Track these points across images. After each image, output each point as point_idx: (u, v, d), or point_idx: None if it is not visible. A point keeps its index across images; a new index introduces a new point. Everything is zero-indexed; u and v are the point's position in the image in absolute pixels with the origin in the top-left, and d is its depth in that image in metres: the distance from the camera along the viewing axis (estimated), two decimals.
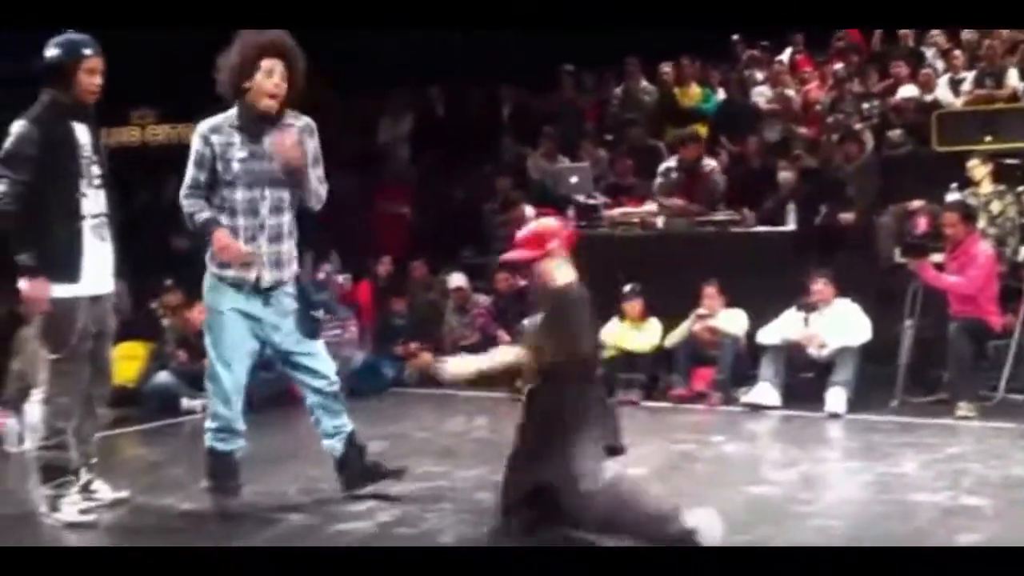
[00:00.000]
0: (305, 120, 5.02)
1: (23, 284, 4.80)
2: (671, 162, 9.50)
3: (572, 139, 11.57)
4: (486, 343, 9.15)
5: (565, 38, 12.56)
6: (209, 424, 5.04)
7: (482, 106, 12.98)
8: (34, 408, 6.41)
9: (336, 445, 5.16)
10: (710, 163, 9.47)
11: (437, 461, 6.07)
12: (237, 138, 4.85)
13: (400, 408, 8.16)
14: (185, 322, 8.32)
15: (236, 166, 4.82)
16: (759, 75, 12.21)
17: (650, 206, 9.37)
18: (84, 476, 5.14)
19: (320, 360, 5.10)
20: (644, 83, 12.26)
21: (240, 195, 4.85)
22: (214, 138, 4.84)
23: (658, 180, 9.47)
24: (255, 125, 4.87)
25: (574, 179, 9.70)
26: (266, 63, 4.81)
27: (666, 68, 12.04)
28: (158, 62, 11.20)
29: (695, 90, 12.04)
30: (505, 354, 4.62)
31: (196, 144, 4.88)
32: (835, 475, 5.98)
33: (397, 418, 7.66)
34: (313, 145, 5.00)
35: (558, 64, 12.53)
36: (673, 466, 5.93)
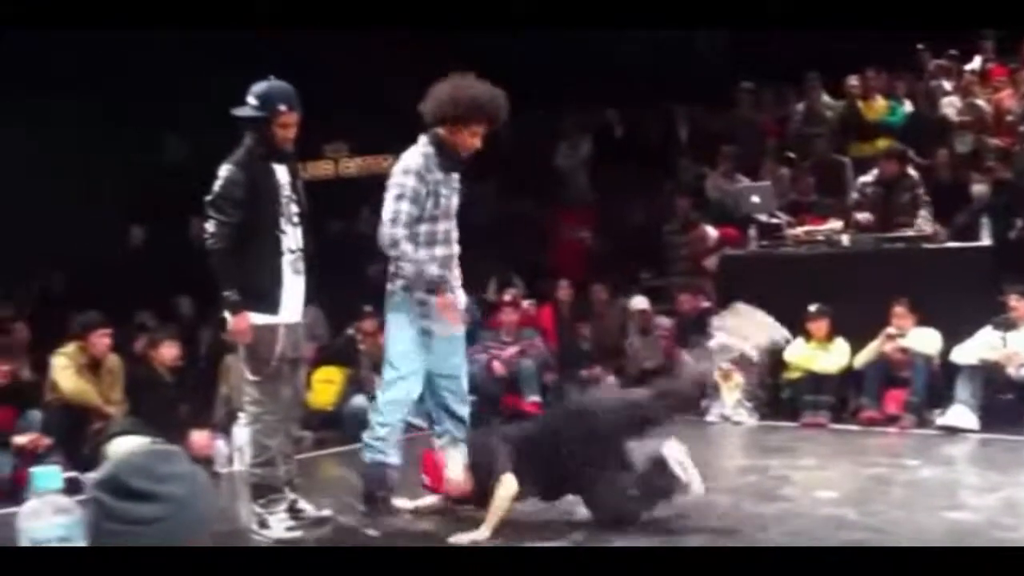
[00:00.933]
0: None
1: (228, 319, 5.15)
2: (869, 177, 9.28)
3: (751, 157, 11.46)
4: (669, 365, 9.21)
5: (742, 55, 12.52)
6: (375, 436, 5.19)
7: (659, 127, 13.00)
8: (242, 430, 6.84)
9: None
10: (913, 174, 9.22)
11: None
12: (441, 175, 5.10)
13: None
14: (379, 347, 8.64)
15: (443, 201, 5.10)
16: (947, 85, 11.83)
17: (834, 223, 9.20)
18: (289, 495, 5.43)
19: (465, 383, 5.40)
20: (826, 97, 12.05)
21: (441, 227, 5.13)
22: (429, 176, 5.05)
23: (854, 195, 9.27)
24: (450, 164, 5.14)
25: (755, 198, 9.62)
26: (476, 127, 5.07)
27: (852, 81, 11.80)
28: (351, 98, 11.70)
29: (880, 103, 11.75)
30: None
31: (411, 182, 5.01)
32: None
33: None
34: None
35: (735, 82, 12.47)
36: (865, 490, 5.83)
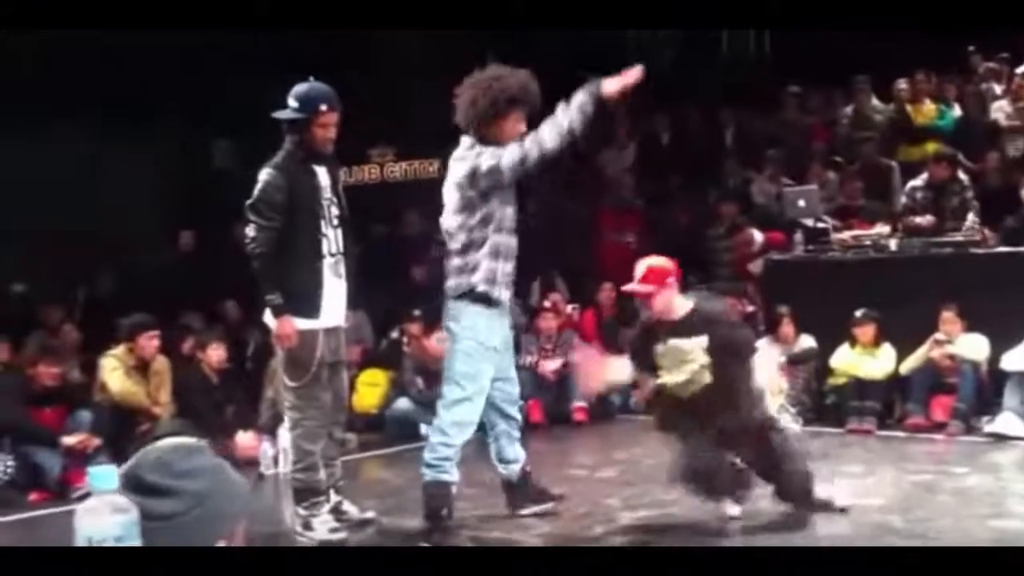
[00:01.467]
0: None
1: (271, 322, 5.19)
2: (918, 181, 9.20)
3: (797, 161, 11.38)
4: None
5: (790, 58, 12.44)
6: (438, 456, 5.18)
7: (705, 131, 12.95)
8: (287, 433, 6.90)
9: (515, 469, 5.41)
10: (964, 178, 9.13)
11: (667, 489, 6.10)
12: None
13: (629, 435, 8.22)
14: (423, 351, 8.69)
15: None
16: (997, 88, 11.67)
17: (882, 228, 9.12)
18: (333, 497, 5.47)
19: (516, 385, 5.44)
20: (875, 101, 11.94)
21: (509, 211, 5.16)
22: None
23: (903, 200, 9.20)
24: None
25: (801, 202, 9.55)
26: (516, 114, 5.08)
27: (901, 84, 11.68)
28: (396, 102, 11.76)
29: (929, 107, 11.61)
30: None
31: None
32: None
33: (627, 445, 7.75)
34: None
35: (782, 85, 12.39)
36: (911, 497, 5.77)
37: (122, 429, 7.19)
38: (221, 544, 1.75)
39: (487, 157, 4.99)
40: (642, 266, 5.13)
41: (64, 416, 7.20)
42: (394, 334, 9.19)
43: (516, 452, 5.42)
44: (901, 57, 11.53)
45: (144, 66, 11.06)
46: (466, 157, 5.08)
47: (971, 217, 8.65)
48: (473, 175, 5.03)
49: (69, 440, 6.95)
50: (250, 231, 5.14)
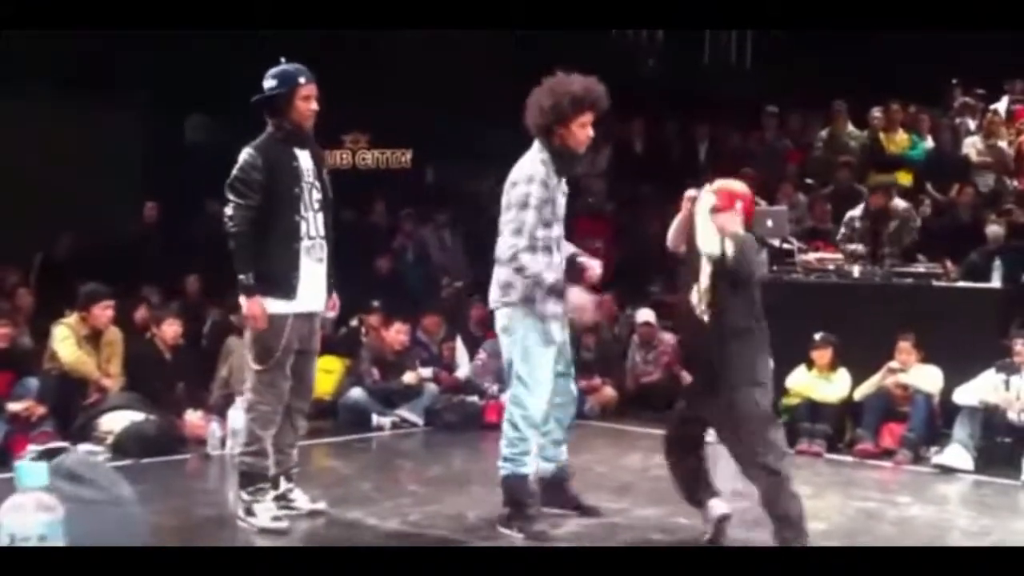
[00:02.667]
0: None
1: (243, 302, 5.13)
2: (856, 211, 9.34)
3: (770, 181, 11.43)
4: (668, 381, 9.18)
5: (772, 78, 12.51)
6: (514, 451, 5.17)
7: (680, 143, 12.99)
8: (236, 414, 6.84)
9: (550, 467, 5.45)
10: (900, 204, 9.29)
11: (615, 497, 6.11)
12: (557, 180, 5.13)
13: (581, 441, 8.16)
14: (381, 341, 8.65)
15: (560, 208, 5.15)
16: (971, 123, 11.78)
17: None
18: (283, 485, 5.41)
19: (573, 382, 5.51)
20: (850, 127, 12.02)
21: (555, 233, 5.14)
22: (551, 183, 5.06)
23: (841, 229, 9.36)
24: (567, 166, 5.18)
25: (769, 222, 9.46)
26: (584, 118, 5.08)
27: (876, 113, 11.76)
28: (371, 89, 11.70)
29: (902, 136, 11.71)
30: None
31: (537, 191, 5.00)
32: None
33: (577, 450, 7.66)
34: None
35: (762, 104, 12.45)
36: (855, 524, 5.79)
37: (69, 399, 7.09)
38: None
39: (510, 218, 5.01)
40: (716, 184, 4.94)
41: (11, 381, 7.10)
42: (353, 322, 9.13)
43: (555, 452, 5.45)
44: (879, 84, 11.63)
45: (117, 33, 10.93)
46: (517, 183, 5.06)
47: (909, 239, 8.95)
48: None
49: (14, 407, 6.85)
50: (227, 210, 5.10)
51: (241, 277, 5.06)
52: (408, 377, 8.45)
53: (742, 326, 4.84)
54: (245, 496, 5.22)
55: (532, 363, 5.15)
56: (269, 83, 5.18)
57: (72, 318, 7.36)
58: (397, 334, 8.51)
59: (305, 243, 5.15)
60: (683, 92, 13.28)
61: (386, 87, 12.02)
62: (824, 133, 12.15)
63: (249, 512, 5.19)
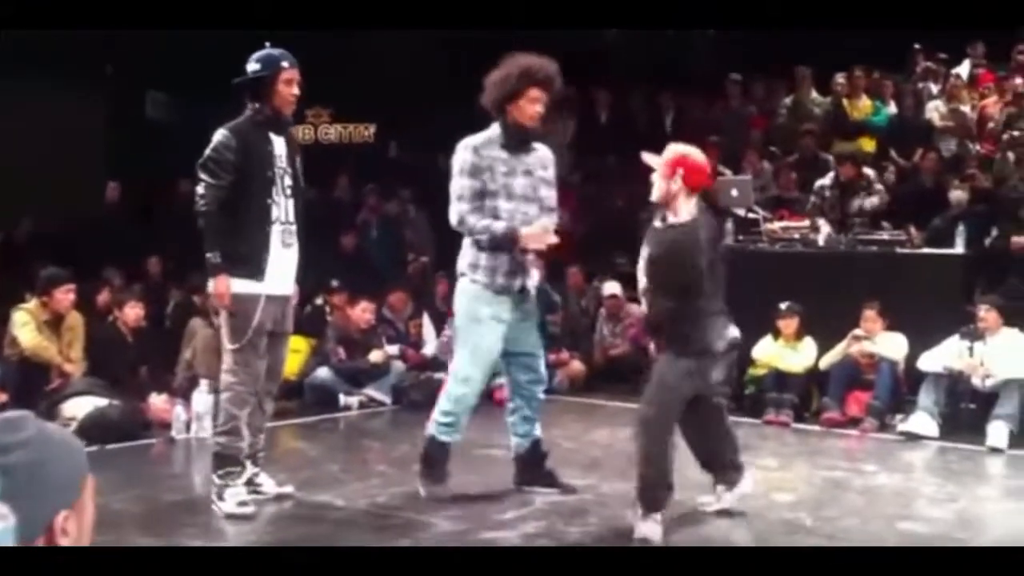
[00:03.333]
0: (546, 148, 5.43)
1: (209, 281, 5.14)
2: (826, 180, 9.35)
3: (735, 150, 11.42)
4: (636, 354, 9.18)
5: (735, 45, 12.45)
6: (441, 419, 5.36)
7: (645, 113, 12.95)
8: (201, 397, 6.78)
9: (524, 444, 5.56)
10: (869, 174, 9.33)
11: (583, 473, 6.11)
12: (503, 154, 5.23)
13: (549, 416, 8.09)
14: (347, 320, 8.59)
15: (500, 178, 5.21)
16: (934, 88, 11.81)
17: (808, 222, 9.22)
18: (250, 469, 5.38)
19: (542, 365, 5.57)
20: (814, 94, 12.01)
21: (504, 205, 5.21)
22: (484, 152, 5.20)
23: (812, 198, 9.36)
24: (517, 142, 5.26)
25: (734, 192, 9.55)
26: (534, 92, 5.17)
27: (839, 79, 11.76)
28: (334, 63, 11.58)
29: (865, 102, 11.73)
30: None
31: (469, 157, 5.21)
32: (995, 515, 5.75)
33: (546, 425, 7.65)
34: (553, 172, 5.46)
35: (725, 71, 12.42)
36: (823, 494, 5.82)
37: (31, 385, 7.00)
38: (64, 515, 1.66)
39: (451, 186, 5.23)
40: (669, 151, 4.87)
41: None
42: (318, 301, 9.06)
43: (527, 429, 5.53)
44: (842, 50, 11.61)
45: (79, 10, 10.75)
46: (461, 153, 5.23)
47: (871, 200, 8.93)
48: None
49: None
50: (199, 188, 5.13)
51: (208, 255, 5.09)
52: (375, 356, 8.41)
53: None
54: (217, 480, 5.21)
55: (477, 340, 5.26)
56: (252, 66, 5.19)
57: (32, 303, 7.26)
58: (363, 312, 8.46)
59: (276, 227, 5.18)
60: (647, 62, 13.22)
61: (348, 60, 11.90)
62: (788, 100, 12.14)
63: (220, 496, 5.17)
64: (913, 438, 7.19)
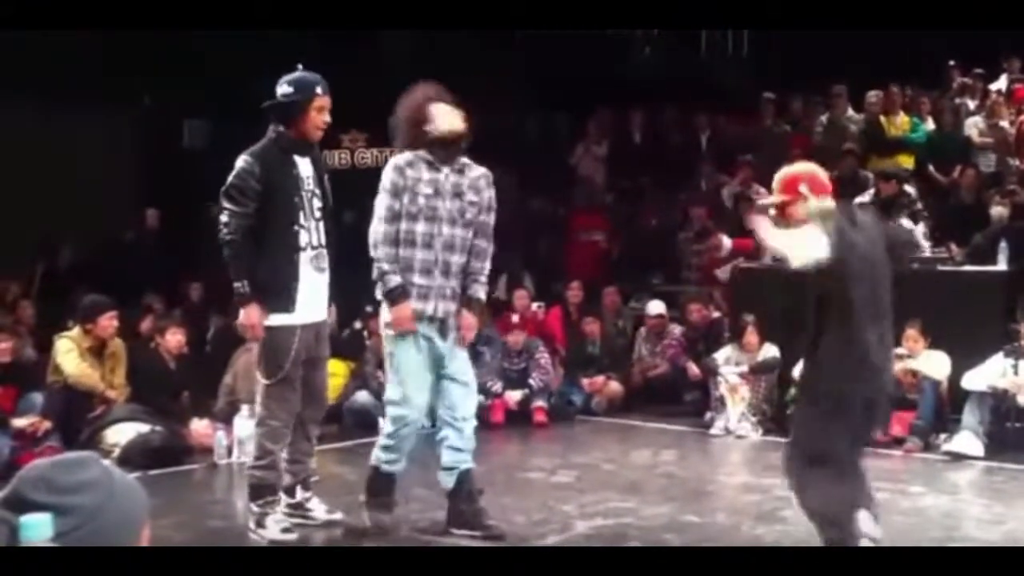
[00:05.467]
0: (483, 170, 5.19)
1: (240, 311, 5.08)
2: (865, 197, 9.28)
3: (772, 168, 11.33)
4: (675, 374, 9.14)
5: (771, 64, 12.42)
6: (384, 442, 5.18)
7: (679, 131, 12.93)
8: (243, 422, 6.81)
9: (448, 479, 5.19)
10: (910, 192, 9.25)
11: (623, 496, 6.08)
12: (427, 175, 5.01)
13: (588, 437, 8.20)
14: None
15: (421, 200, 4.98)
16: (971, 104, 11.71)
17: None
18: (300, 494, 5.37)
19: (469, 395, 5.21)
20: (850, 111, 11.94)
21: (420, 228, 4.99)
22: (409, 172, 5.00)
23: None
24: (440, 162, 5.03)
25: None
26: (434, 107, 5.03)
27: (873, 96, 11.69)
28: (370, 88, 11.64)
29: (903, 119, 11.64)
30: None
31: (391, 175, 5.01)
32: None
33: (586, 448, 7.71)
34: (489, 195, 5.18)
35: (759, 90, 12.38)
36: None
37: (74, 412, 7.06)
38: None
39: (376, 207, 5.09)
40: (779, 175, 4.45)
41: (15, 397, 7.06)
42: (357, 324, 9.09)
43: (454, 459, 5.17)
44: (878, 68, 11.55)
45: (117, 41, 10.90)
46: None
47: (919, 229, 8.75)
48: None
49: (19, 422, 6.81)
50: (223, 217, 5.03)
51: (236, 285, 4.99)
52: None
53: None
54: (255, 508, 5.18)
55: (402, 356, 5.03)
56: (284, 88, 5.10)
57: (75, 331, 7.32)
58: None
59: (307, 253, 5.08)
60: (681, 81, 13.21)
61: (383, 84, 11.96)
62: (824, 119, 12.07)
63: (260, 524, 5.15)
64: (958, 458, 7.08)
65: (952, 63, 12.28)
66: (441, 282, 5.02)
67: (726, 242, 10.07)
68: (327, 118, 5.14)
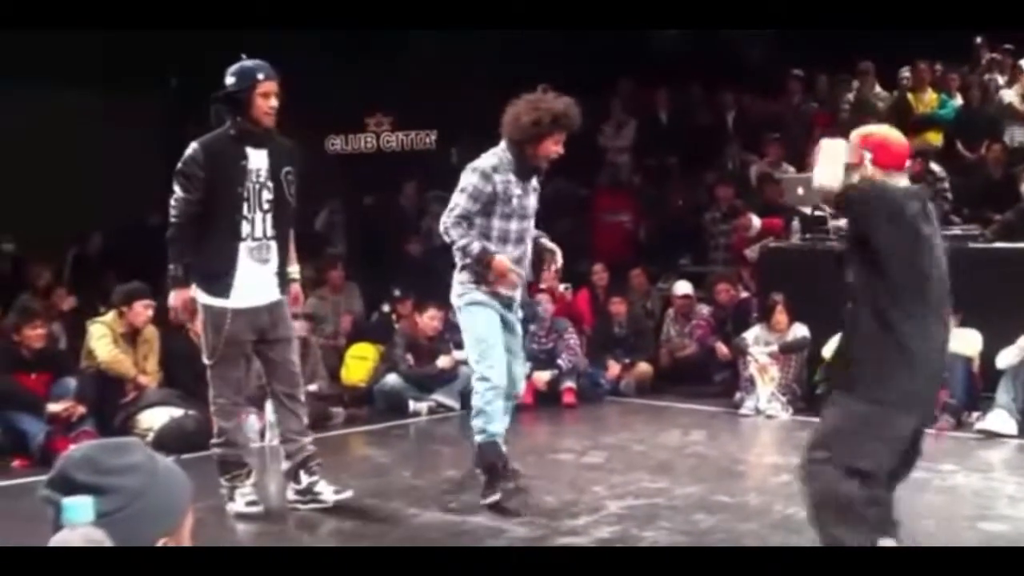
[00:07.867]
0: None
1: (171, 294, 5.26)
2: None
3: (799, 147, 11.29)
4: (704, 355, 9.13)
5: (797, 41, 12.32)
6: (478, 410, 5.30)
7: (705, 111, 12.85)
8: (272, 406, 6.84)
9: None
10: (936, 170, 9.21)
11: (653, 477, 6.09)
12: (514, 179, 5.32)
13: (618, 418, 8.22)
14: (414, 327, 8.63)
15: (515, 202, 5.31)
16: (1001, 79, 11.59)
17: None
18: (306, 479, 5.45)
19: (523, 373, 5.74)
20: (878, 88, 11.85)
21: (514, 227, 5.34)
22: (497, 177, 5.29)
23: None
24: (527, 173, 5.39)
25: (800, 190, 9.37)
26: (557, 135, 5.28)
27: (904, 73, 11.59)
28: (395, 71, 11.65)
29: (931, 96, 11.55)
30: None
31: (475, 180, 5.28)
32: None
33: (615, 429, 7.73)
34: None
35: (787, 68, 12.29)
36: (899, 493, 5.70)
37: (107, 397, 7.12)
38: (164, 541, 1.72)
39: (451, 201, 5.35)
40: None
41: (49, 382, 7.12)
42: (385, 307, 9.12)
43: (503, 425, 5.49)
44: (906, 44, 11.44)
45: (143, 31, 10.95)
46: (464, 171, 5.36)
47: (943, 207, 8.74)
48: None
49: (54, 407, 6.87)
50: (172, 200, 5.17)
51: (170, 267, 5.19)
52: (443, 361, 8.42)
53: None
54: (224, 483, 5.41)
55: (477, 332, 5.32)
56: (228, 80, 5.17)
57: (109, 316, 7.38)
58: (430, 320, 8.48)
59: (248, 243, 5.17)
60: (707, 60, 13.12)
61: (408, 67, 11.95)
62: (851, 96, 11.98)
63: (231, 498, 5.38)
64: (991, 436, 7.05)
65: (979, 40, 12.15)
66: (520, 271, 5.41)
67: (755, 221, 10.02)
68: (274, 103, 5.17)
